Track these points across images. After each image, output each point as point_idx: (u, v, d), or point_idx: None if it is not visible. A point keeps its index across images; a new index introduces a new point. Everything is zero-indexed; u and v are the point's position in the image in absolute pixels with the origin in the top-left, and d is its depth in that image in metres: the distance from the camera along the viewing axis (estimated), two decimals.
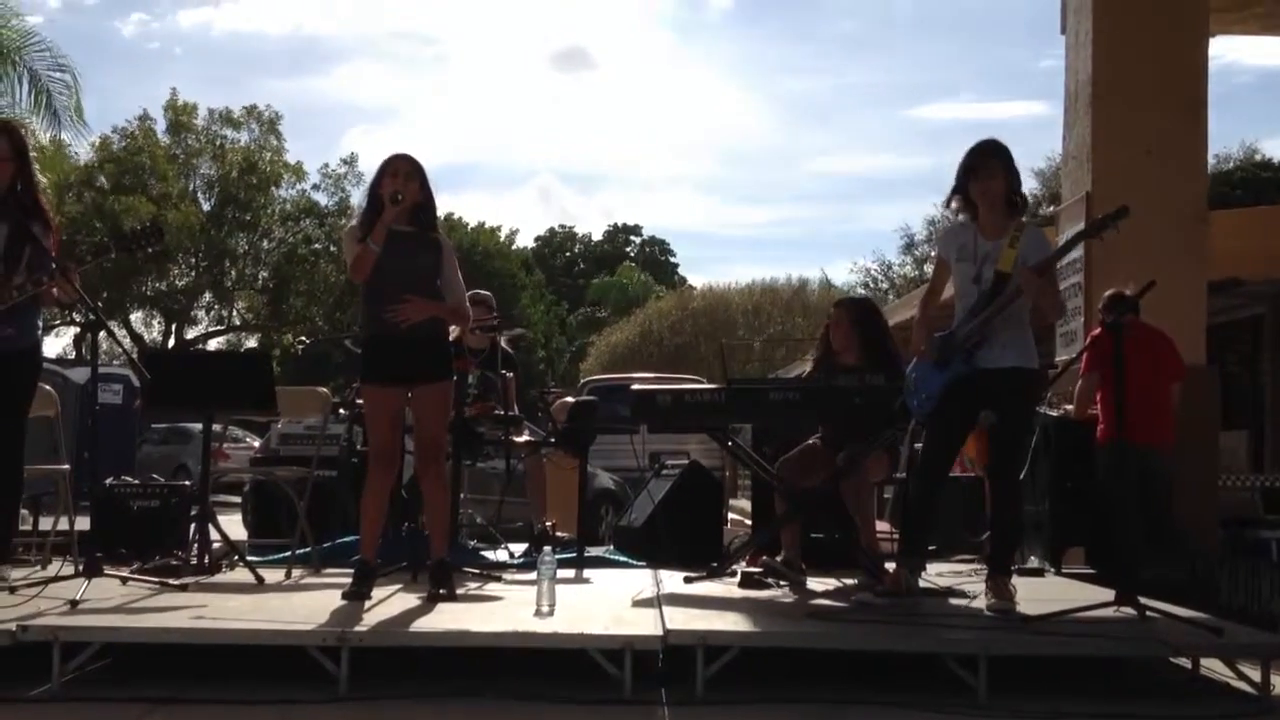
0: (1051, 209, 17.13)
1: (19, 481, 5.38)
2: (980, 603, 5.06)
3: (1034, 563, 6.70)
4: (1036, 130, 62.47)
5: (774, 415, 5.92)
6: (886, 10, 78.20)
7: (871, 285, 42.64)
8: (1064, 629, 4.49)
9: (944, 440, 5.26)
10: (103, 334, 5.42)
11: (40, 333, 5.61)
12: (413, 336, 5.16)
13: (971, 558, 6.66)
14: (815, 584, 5.74)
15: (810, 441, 6.01)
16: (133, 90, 59.74)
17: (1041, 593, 5.48)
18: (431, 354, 5.24)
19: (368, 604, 4.87)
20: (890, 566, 5.47)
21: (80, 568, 5.22)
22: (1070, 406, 6.99)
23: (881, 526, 6.59)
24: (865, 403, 5.46)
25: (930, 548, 5.99)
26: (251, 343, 39.03)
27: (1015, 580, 5.16)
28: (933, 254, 39.55)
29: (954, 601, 5.29)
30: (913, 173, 77.45)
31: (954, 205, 5.33)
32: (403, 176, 5.18)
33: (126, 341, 33.65)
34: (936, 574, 5.98)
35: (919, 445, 5.72)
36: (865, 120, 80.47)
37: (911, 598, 5.15)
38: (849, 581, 5.75)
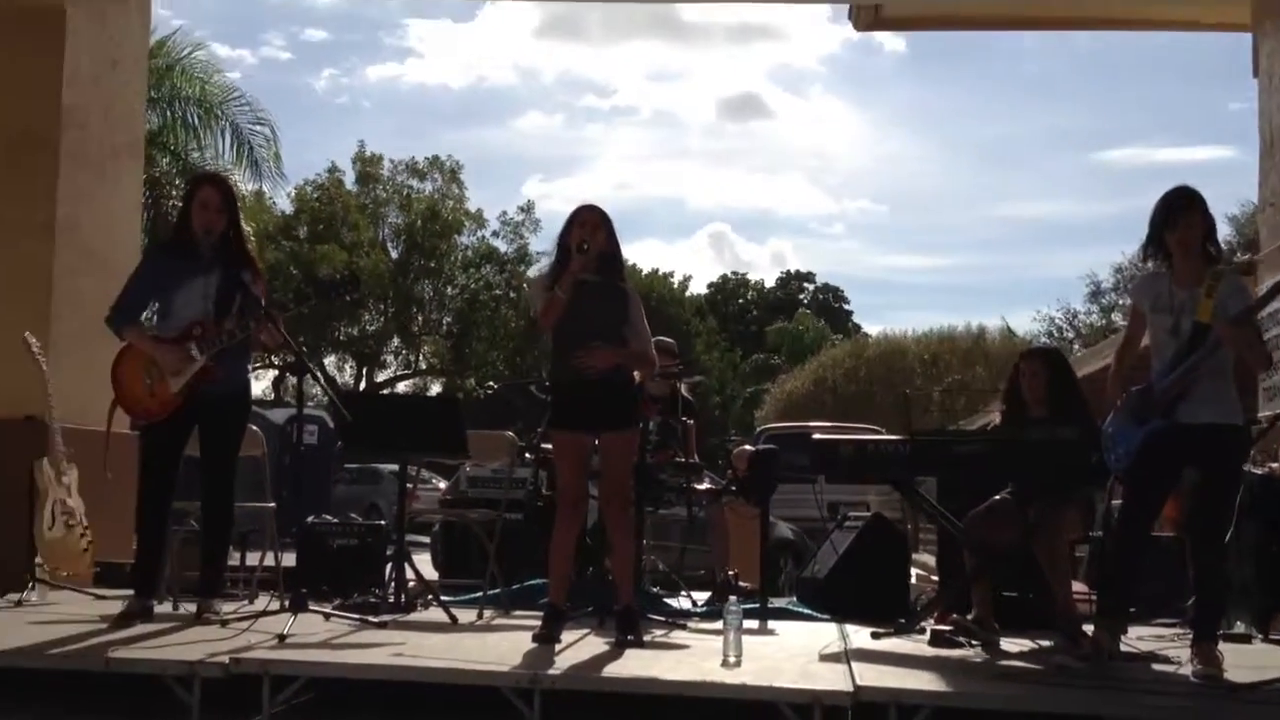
0: (1247, 256, 16.46)
1: (230, 519, 5.66)
2: (1185, 669, 4.87)
3: (1240, 628, 6.40)
4: (1226, 174, 59.87)
5: (961, 468, 5.81)
6: (1069, 53, 76.30)
7: (1056, 334, 41.47)
8: (1274, 697, 4.29)
9: (1143, 498, 5.08)
10: (307, 376, 5.65)
11: (249, 375, 5.91)
12: (599, 383, 5.25)
13: (1174, 621, 6.39)
14: (1008, 644, 5.59)
15: (999, 496, 5.87)
16: (322, 142, 62.42)
17: (1249, 659, 5.23)
18: (618, 401, 5.32)
19: (558, 647, 4.94)
20: (1088, 628, 5.30)
21: (286, 603, 5.44)
22: (1277, 464, 6.69)
23: (1077, 587, 6.39)
24: (1058, 457, 5.32)
25: (1130, 610, 5.77)
26: (436, 387, 40.18)
27: (1221, 646, 4.95)
28: (1120, 302, 38.60)
29: (1157, 667, 5.09)
30: (1098, 218, 75.05)
31: (1149, 256, 5.19)
32: (589, 227, 5.29)
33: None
34: (1137, 638, 5.75)
35: (1116, 502, 5.54)
36: (1047, 165, 78.42)
37: (1112, 661, 4.98)
38: (1044, 643, 5.58)
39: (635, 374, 5.63)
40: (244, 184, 16.29)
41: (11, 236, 7.67)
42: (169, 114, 15.92)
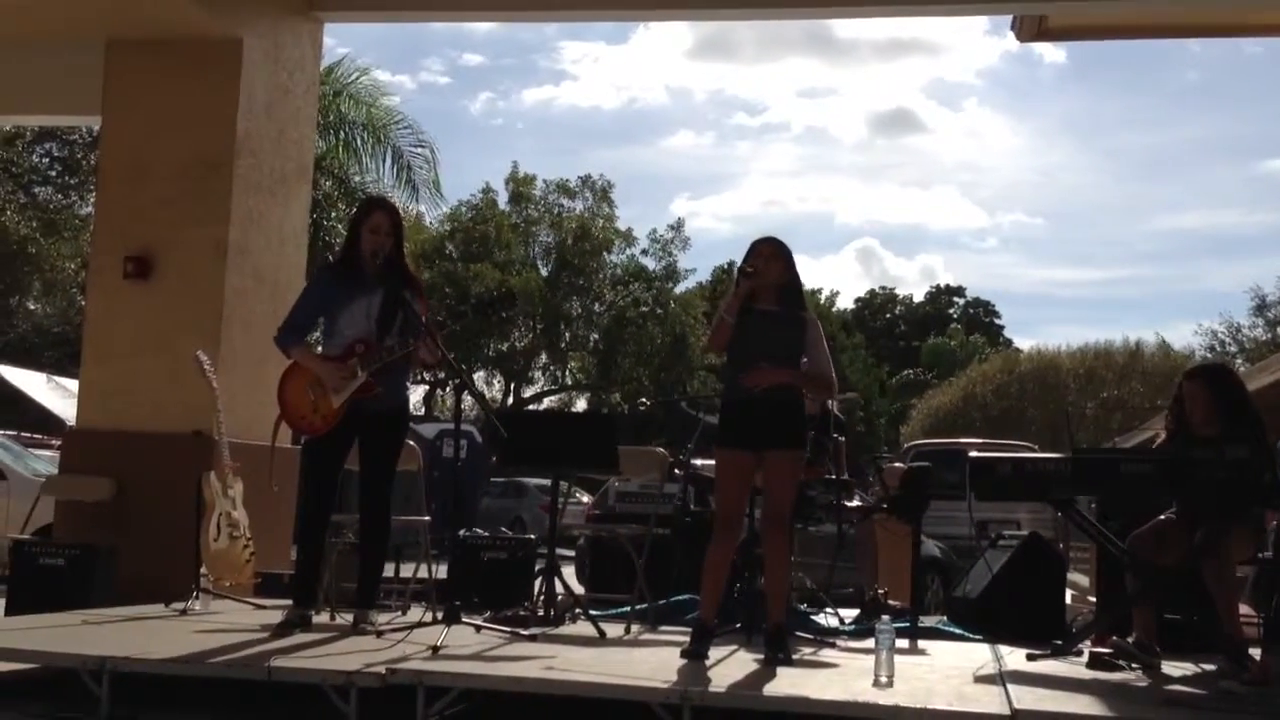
0: None
1: (388, 532, 5.80)
2: None
3: None
4: None
5: (1124, 488, 5.63)
6: (1234, 59, 73.76)
7: (1219, 349, 39.97)
8: None
9: None
10: (465, 391, 5.77)
11: (408, 392, 6.06)
12: (767, 402, 5.25)
13: None
14: (1171, 668, 5.40)
15: (1164, 516, 5.68)
16: (477, 164, 63.64)
17: None
18: (785, 420, 5.31)
19: (707, 664, 4.94)
20: (1255, 653, 5.09)
21: (439, 615, 5.55)
22: None
23: (1244, 610, 6.15)
24: (1227, 477, 5.13)
25: None
26: (582, 402, 40.58)
27: None
28: None
29: None
30: (1263, 229, 72.23)
31: None
32: (765, 257, 5.35)
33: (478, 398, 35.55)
34: None
35: None
36: (1210, 175, 75.87)
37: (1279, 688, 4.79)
38: (1209, 668, 5.39)
39: (815, 397, 5.64)
40: (403, 205, 16.69)
41: (186, 258, 7.99)
42: (334, 138, 16.37)
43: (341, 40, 32.28)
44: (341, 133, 16.22)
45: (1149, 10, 9.21)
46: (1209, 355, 37.30)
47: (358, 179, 16.50)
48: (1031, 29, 9.33)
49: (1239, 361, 34.44)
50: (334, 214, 15.55)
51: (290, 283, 8.30)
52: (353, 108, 16.11)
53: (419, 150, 16.58)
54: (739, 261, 5.51)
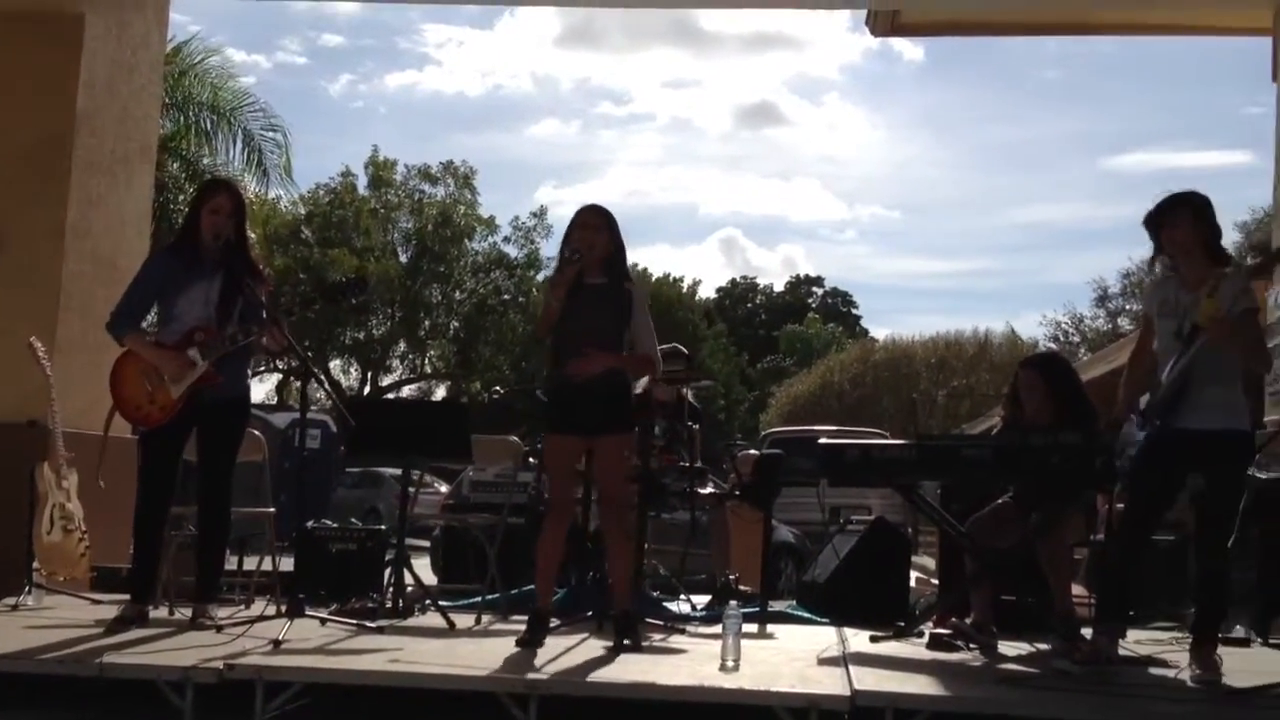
0: (1257, 259, 16.41)
1: (228, 524, 5.67)
2: (1184, 674, 4.85)
3: (1240, 632, 6.37)
4: (1240, 180, 59.55)
5: (965, 473, 5.78)
6: (1089, 58, 76.20)
7: (1062, 339, 41.39)
8: (1273, 703, 4.26)
9: (1145, 502, 5.06)
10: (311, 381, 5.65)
11: (249, 380, 5.91)
12: (594, 387, 5.23)
13: (1173, 625, 6.37)
14: (1007, 648, 5.57)
15: (1002, 500, 5.85)
16: (336, 146, 62.46)
17: (1248, 664, 5.18)
18: (612, 406, 5.29)
19: (556, 652, 4.92)
20: (1087, 633, 5.28)
21: (282, 608, 5.43)
22: None
23: (1077, 590, 6.37)
24: (1061, 462, 5.30)
25: (1129, 614, 5.75)
26: (441, 391, 40.20)
27: (1220, 650, 4.93)
28: (1127, 307, 38.47)
29: (1155, 671, 5.06)
30: (1107, 223, 74.96)
31: (1156, 260, 5.19)
32: (591, 229, 5.28)
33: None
34: (1135, 641, 5.74)
35: (1120, 506, 5.53)
36: (1060, 170, 78.32)
37: (1110, 666, 4.96)
38: (1043, 647, 5.57)
39: (637, 378, 5.62)
40: (253, 190, 16.30)
41: (22, 240, 7.66)
42: (182, 119, 15.92)
43: (195, 18, 31.41)
44: (190, 113, 15.76)
45: (999, 8, 9.41)
46: (1053, 345, 38.57)
47: (207, 161, 16.03)
48: (885, 24, 9.47)
49: (1081, 351, 35.74)
50: (181, 197, 15.06)
51: (131, 268, 7.86)
52: (200, 88, 15.66)
53: (270, 134, 16.21)
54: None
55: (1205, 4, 9.14)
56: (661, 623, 5.93)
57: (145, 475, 5.61)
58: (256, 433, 6.39)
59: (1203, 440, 4.85)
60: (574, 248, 5.22)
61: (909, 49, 74.16)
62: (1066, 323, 42.63)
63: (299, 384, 5.75)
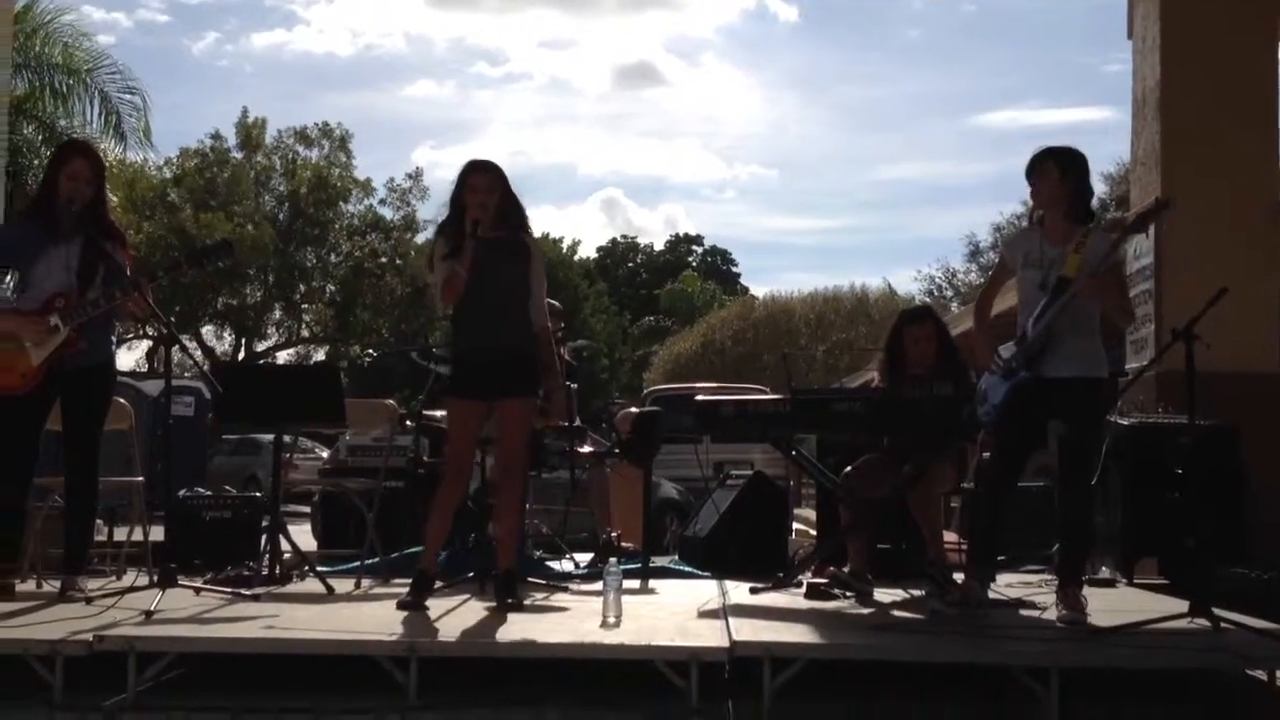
0: (1120, 213, 16.92)
1: (94, 494, 5.51)
2: (1051, 614, 5.00)
3: (1105, 573, 6.60)
4: (1104, 135, 61.29)
5: (838, 426, 5.89)
6: (952, 17, 77.54)
7: (936, 293, 42.29)
8: (1136, 641, 4.42)
9: (1010, 450, 5.20)
10: (175, 347, 5.51)
11: (114, 347, 5.74)
12: (502, 351, 5.20)
13: (1041, 568, 6.57)
14: (883, 595, 5.68)
15: (876, 453, 5.97)
16: (202, 107, 60.68)
17: (1113, 604, 5.39)
18: (519, 368, 5.26)
19: (437, 614, 4.90)
20: (959, 577, 5.42)
21: (154, 579, 5.31)
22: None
23: (949, 537, 6.53)
24: (932, 413, 5.42)
25: (999, 558, 5.92)
26: (319, 355, 39.54)
27: (1086, 591, 5.10)
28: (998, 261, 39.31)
29: (1024, 613, 5.22)
30: (977, 180, 76.84)
31: (1033, 213, 5.34)
32: (482, 192, 5.19)
33: (199, 355, 34.24)
34: (1006, 585, 5.92)
35: (987, 455, 5.67)
36: (929, 128, 79.81)
37: (981, 609, 5.11)
38: (917, 593, 5.70)
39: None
40: (111, 154, 15.77)
41: None
42: (36, 81, 15.34)
43: None
44: (44, 75, 15.18)
45: None
46: (927, 300, 39.36)
47: (64, 124, 15.46)
48: None
49: (953, 305, 36.47)
50: (37, 161, 14.53)
51: None
52: (51, 48, 15.09)
53: (129, 96, 15.72)
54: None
55: None
56: (544, 582, 5.94)
57: (5, 445, 5.39)
58: (123, 400, 6.22)
59: (1065, 388, 4.99)
60: (472, 218, 5.14)
61: (784, 9, 74.75)
62: (940, 277, 43.58)
63: (166, 351, 5.60)
